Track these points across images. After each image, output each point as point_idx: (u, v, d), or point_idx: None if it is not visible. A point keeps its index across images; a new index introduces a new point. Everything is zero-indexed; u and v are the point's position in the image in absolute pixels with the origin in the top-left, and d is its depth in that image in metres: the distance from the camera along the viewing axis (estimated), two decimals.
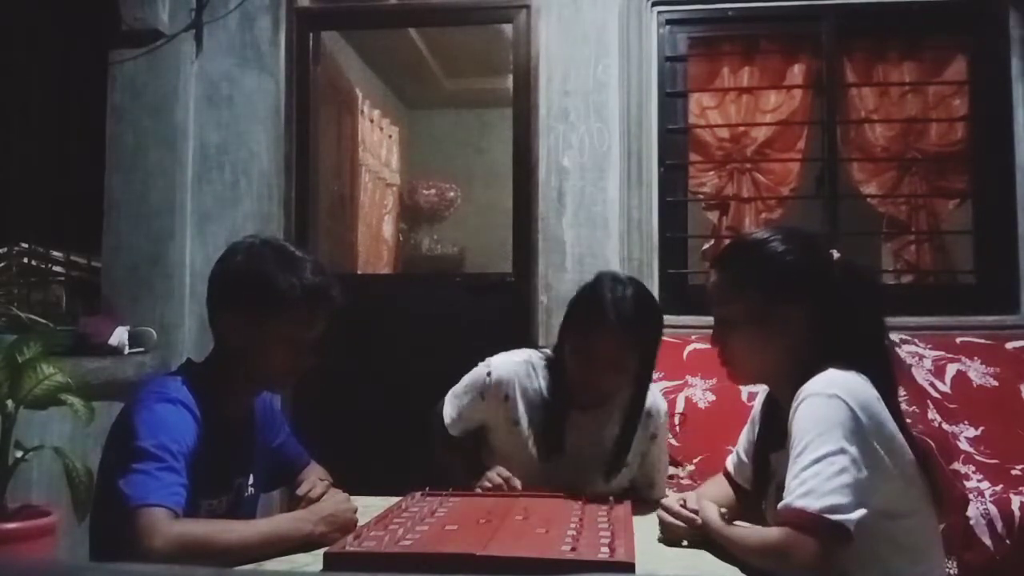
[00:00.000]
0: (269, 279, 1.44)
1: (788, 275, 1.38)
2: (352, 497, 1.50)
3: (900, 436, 1.29)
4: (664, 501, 1.42)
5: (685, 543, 1.37)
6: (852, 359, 1.31)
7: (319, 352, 1.52)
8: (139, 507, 1.23)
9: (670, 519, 1.38)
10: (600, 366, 1.69)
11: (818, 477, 1.19)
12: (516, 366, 1.83)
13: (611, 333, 1.66)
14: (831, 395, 1.25)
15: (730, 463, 1.63)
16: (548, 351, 1.88)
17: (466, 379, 1.89)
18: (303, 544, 1.31)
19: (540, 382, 1.82)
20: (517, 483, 1.70)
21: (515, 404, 1.81)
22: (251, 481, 1.58)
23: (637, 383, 1.79)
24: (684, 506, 1.39)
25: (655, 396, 1.88)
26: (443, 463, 1.90)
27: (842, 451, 1.20)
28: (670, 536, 1.38)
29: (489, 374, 1.83)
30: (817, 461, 1.20)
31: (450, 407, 1.89)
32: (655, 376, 2.80)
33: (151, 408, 1.37)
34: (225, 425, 1.47)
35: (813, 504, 1.18)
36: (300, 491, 1.53)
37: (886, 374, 1.34)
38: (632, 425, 1.80)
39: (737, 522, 1.36)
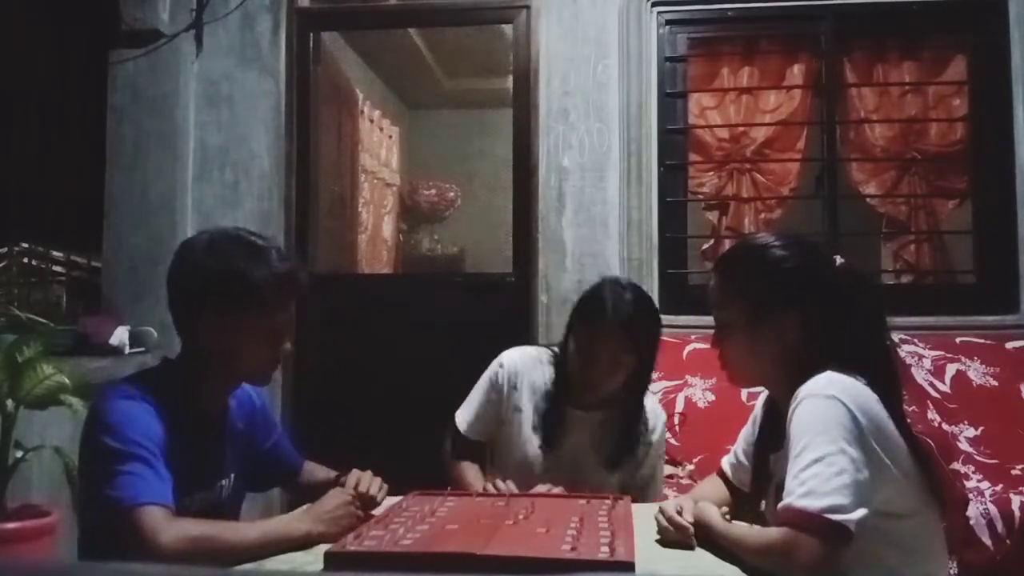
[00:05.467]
0: (241, 274, 1.40)
1: (785, 280, 1.39)
2: None
3: (900, 437, 1.29)
4: (662, 504, 1.42)
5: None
6: (852, 362, 1.31)
7: (291, 337, 1.51)
8: (134, 507, 1.22)
9: (666, 524, 1.38)
10: (601, 364, 1.79)
11: (818, 478, 1.19)
12: (525, 358, 1.95)
13: (611, 333, 1.76)
14: (829, 396, 1.25)
15: (726, 463, 1.63)
16: (556, 349, 1.95)
17: (479, 380, 1.98)
18: (303, 543, 1.31)
19: (545, 376, 1.91)
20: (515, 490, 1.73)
21: (520, 394, 1.90)
22: (231, 482, 1.55)
23: (637, 384, 1.86)
24: (680, 514, 1.38)
25: (655, 403, 1.98)
26: (455, 480, 1.93)
27: (841, 452, 1.20)
28: (666, 538, 1.38)
29: (501, 365, 1.94)
30: (816, 462, 1.20)
31: (465, 411, 1.96)
32: (654, 376, 2.81)
33: (114, 407, 1.34)
34: (200, 423, 1.45)
35: (814, 504, 1.18)
36: (349, 484, 1.51)
37: (888, 377, 1.34)
38: (634, 418, 1.87)
39: (736, 522, 1.37)
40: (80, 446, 1.39)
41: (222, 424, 1.54)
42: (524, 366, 1.92)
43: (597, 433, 1.88)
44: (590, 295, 1.85)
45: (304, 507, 1.45)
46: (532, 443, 1.88)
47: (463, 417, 1.95)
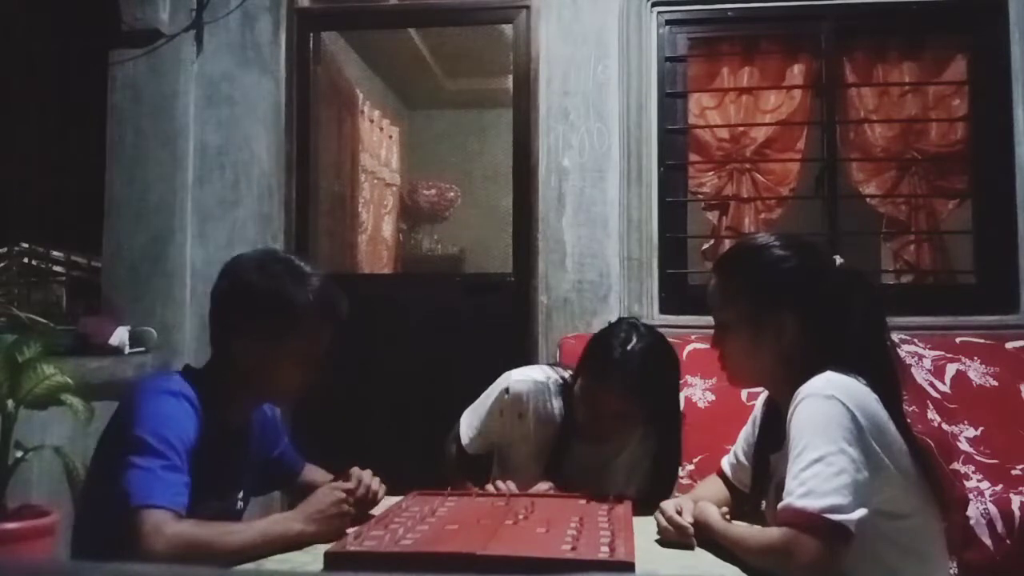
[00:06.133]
0: (288, 299, 1.43)
1: (784, 281, 1.39)
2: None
3: (900, 438, 1.29)
4: (662, 504, 1.43)
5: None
6: (852, 362, 1.31)
7: (324, 362, 1.52)
8: (141, 507, 1.21)
9: (665, 524, 1.38)
10: (605, 415, 1.74)
11: (818, 478, 1.19)
12: (533, 384, 1.88)
13: (615, 388, 1.70)
14: (828, 396, 1.25)
15: (726, 464, 1.63)
16: (566, 374, 1.91)
17: (484, 396, 1.92)
18: (297, 543, 1.31)
19: (553, 404, 1.86)
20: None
21: (527, 424, 1.86)
22: (240, 495, 1.55)
23: (664, 427, 1.82)
24: (680, 514, 1.38)
25: None
26: (456, 486, 1.91)
27: (841, 452, 1.20)
28: (666, 538, 1.38)
29: (507, 390, 1.87)
30: (816, 462, 1.20)
31: (467, 426, 1.93)
32: None
33: (153, 399, 1.35)
34: (223, 435, 1.45)
35: (813, 504, 1.18)
36: (352, 483, 1.50)
37: (888, 377, 1.34)
38: (669, 470, 1.84)
39: (736, 522, 1.37)
40: (105, 432, 1.39)
41: (241, 437, 1.55)
42: (531, 395, 1.85)
43: (602, 463, 1.85)
44: (601, 339, 1.76)
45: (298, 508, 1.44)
46: (538, 472, 1.84)
47: (466, 432, 1.92)
